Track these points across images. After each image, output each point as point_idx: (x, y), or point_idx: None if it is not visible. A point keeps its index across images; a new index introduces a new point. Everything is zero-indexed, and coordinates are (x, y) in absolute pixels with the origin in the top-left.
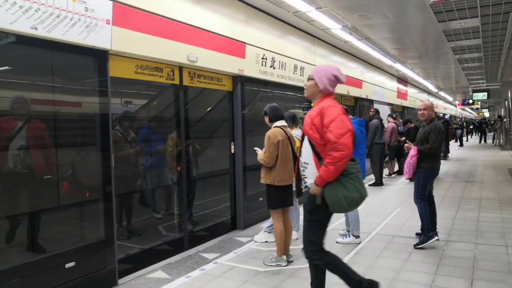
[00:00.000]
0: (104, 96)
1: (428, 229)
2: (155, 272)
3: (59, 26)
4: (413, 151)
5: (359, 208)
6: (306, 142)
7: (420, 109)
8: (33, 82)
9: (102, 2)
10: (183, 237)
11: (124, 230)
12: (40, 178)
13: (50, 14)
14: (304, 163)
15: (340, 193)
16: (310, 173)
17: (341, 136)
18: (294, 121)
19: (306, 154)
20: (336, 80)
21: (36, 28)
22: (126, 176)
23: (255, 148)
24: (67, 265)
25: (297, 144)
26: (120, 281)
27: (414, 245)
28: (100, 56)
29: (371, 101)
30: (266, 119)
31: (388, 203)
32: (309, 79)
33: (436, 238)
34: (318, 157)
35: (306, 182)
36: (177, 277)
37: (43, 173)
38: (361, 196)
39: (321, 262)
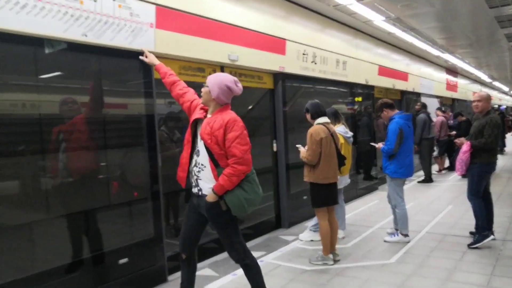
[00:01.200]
0: (149, 97)
1: (483, 227)
2: (203, 269)
3: (107, 32)
4: (465, 146)
5: (408, 205)
6: (203, 146)
7: (474, 101)
8: (83, 86)
9: (145, 6)
10: None
11: (171, 228)
12: (91, 179)
13: (98, 21)
14: (202, 164)
15: (242, 197)
16: (206, 177)
17: (245, 152)
18: (336, 117)
19: (203, 157)
20: (230, 91)
21: (86, 35)
22: (173, 176)
23: (297, 146)
24: (121, 261)
25: (341, 140)
26: (170, 277)
27: (468, 245)
28: None
29: (418, 94)
30: (308, 116)
31: (439, 201)
32: (205, 85)
33: (492, 237)
34: (215, 163)
35: (199, 185)
36: (224, 275)
37: (94, 174)
38: (258, 195)
39: (249, 260)
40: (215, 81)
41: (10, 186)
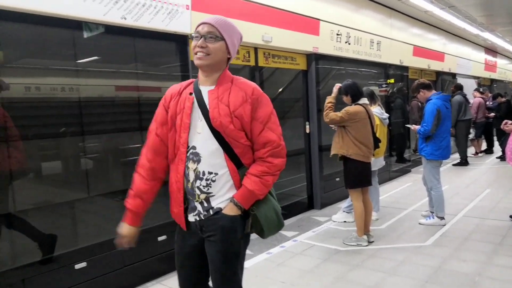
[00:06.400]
0: (186, 80)
1: None
2: None
3: (144, 15)
4: None
5: (443, 188)
6: (210, 140)
7: None
8: (118, 70)
9: None
10: None
11: None
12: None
13: (137, 4)
14: (209, 173)
15: (276, 206)
16: (221, 188)
17: (281, 135)
18: (372, 98)
19: (212, 159)
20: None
21: (125, 18)
22: None
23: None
24: (160, 238)
25: (376, 121)
26: None
27: None
28: (181, 41)
29: (454, 75)
30: (347, 99)
31: (476, 184)
32: (215, 37)
33: None
34: (237, 163)
35: (210, 203)
36: (259, 253)
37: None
38: None
39: None
40: (231, 29)
41: None
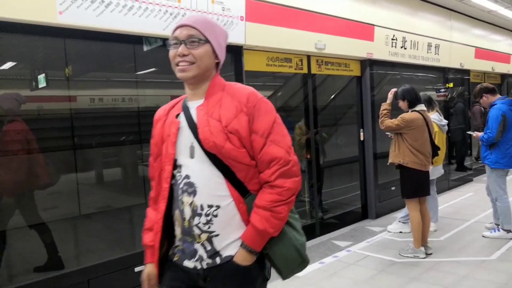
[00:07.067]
0: None
1: None
2: None
3: None
4: None
5: (510, 199)
6: (205, 165)
7: None
8: (174, 81)
9: (236, 0)
10: (315, 223)
11: None
12: None
13: None
14: (209, 206)
15: (296, 242)
16: (227, 226)
17: (291, 149)
18: (430, 104)
19: (211, 189)
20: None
21: None
22: None
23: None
24: None
25: (435, 128)
26: None
27: None
28: (235, 52)
29: None
30: (403, 104)
31: None
32: (198, 40)
33: None
34: (241, 190)
35: (213, 246)
36: (312, 263)
37: None
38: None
39: None
40: (215, 29)
41: None
